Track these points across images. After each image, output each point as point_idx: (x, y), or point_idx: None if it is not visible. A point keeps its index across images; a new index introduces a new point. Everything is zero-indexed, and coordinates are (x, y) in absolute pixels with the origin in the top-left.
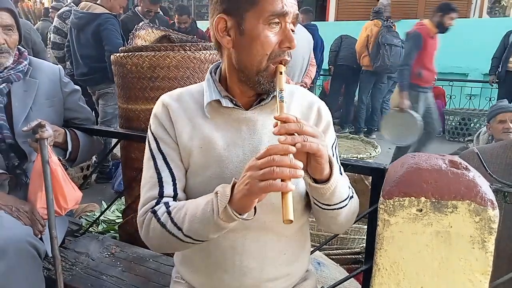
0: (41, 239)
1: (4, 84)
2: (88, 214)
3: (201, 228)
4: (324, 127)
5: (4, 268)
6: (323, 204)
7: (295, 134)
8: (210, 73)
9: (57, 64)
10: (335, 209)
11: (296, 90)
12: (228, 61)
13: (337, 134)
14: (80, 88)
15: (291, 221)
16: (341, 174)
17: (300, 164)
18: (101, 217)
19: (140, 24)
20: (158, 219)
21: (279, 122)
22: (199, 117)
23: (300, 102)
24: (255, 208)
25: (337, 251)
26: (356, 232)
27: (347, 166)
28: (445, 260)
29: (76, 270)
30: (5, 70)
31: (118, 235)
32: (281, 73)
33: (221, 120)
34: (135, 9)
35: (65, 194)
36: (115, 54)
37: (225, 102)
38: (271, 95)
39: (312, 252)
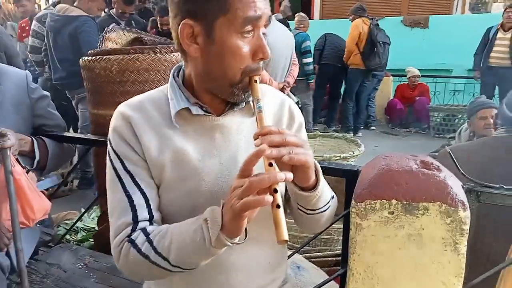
0: (8, 252)
1: None
2: (67, 222)
3: (191, 257)
4: (297, 128)
5: None
6: (308, 209)
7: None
8: (174, 77)
9: (38, 68)
10: (319, 212)
11: (266, 90)
12: (195, 69)
13: (322, 133)
14: (57, 93)
15: (286, 241)
16: None
17: (290, 176)
18: (81, 225)
19: (111, 26)
20: (139, 250)
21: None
22: (167, 127)
23: (272, 103)
24: (246, 230)
25: (318, 253)
26: (340, 233)
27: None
28: (419, 263)
29: (46, 283)
30: None
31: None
32: (255, 81)
33: (192, 129)
34: (110, 11)
35: (32, 204)
36: (83, 58)
37: (196, 110)
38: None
39: (291, 255)
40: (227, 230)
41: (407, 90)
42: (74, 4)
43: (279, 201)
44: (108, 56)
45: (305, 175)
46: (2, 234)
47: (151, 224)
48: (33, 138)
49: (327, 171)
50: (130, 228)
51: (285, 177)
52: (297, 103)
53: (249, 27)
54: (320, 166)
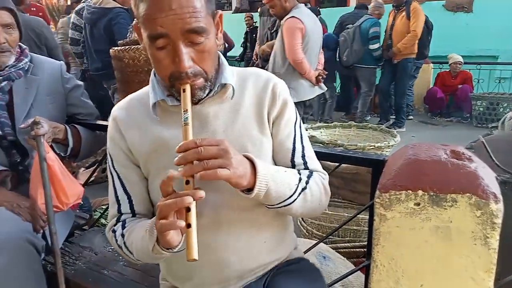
0: (44, 234)
1: (5, 82)
2: (103, 207)
3: (144, 257)
4: (280, 107)
5: (3, 264)
6: (265, 205)
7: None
8: (154, 73)
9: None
10: (280, 207)
11: (251, 74)
12: None
13: (357, 123)
14: (94, 83)
15: (195, 260)
16: (304, 155)
17: (199, 194)
18: None
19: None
20: (116, 240)
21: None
22: (149, 120)
23: (255, 85)
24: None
25: (344, 244)
26: None
27: (346, 158)
28: (446, 257)
29: (78, 264)
30: (6, 68)
31: None
32: (184, 90)
33: (171, 119)
34: None
35: (65, 189)
36: (113, 48)
37: (171, 101)
38: (218, 85)
39: (315, 245)
40: (161, 242)
41: (449, 77)
42: None
43: (192, 220)
44: (136, 46)
45: (230, 183)
46: (38, 217)
47: (133, 216)
48: (67, 126)
49: (352, 160)
50: (115, 219)
51: (192, 200)
52: (324, 98)
53: (159, 42)
54: (346, 155)
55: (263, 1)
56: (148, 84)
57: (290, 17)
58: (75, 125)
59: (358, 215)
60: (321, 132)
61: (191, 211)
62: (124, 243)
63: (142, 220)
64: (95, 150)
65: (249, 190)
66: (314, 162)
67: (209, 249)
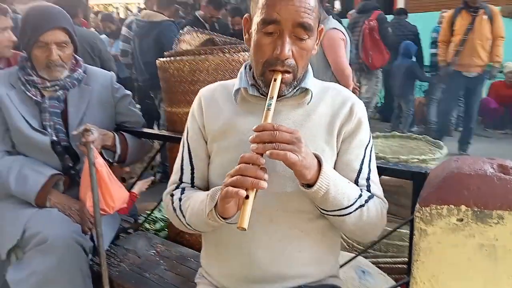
0: (91, 236)
1: (61, 91)
2: (148, 212)
3: (196, 222)
4: (355, 125)
5: (54, 261)
6: (319, 208)
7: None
8: (245, 67)
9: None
10: (334, 215)
11: (331, 87)
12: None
13: (400, 133)
14: (142, 92)
15: (244, 229)
16: (368, 178)
17: (265, 176)
18: (160, 216)
19: (185, 28)
20: (172, 203)
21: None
22: (228, 103)
23: (333, 98)
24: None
25: (385, 259)
26: None
27: (386, 170)
28: (492, 277)
29: (122, 266)
30: (63, 78)
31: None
32: (275, 80)
33: (248, 107)
34: (197, 14)
35: (112, 193)
36: (160, 59)
37: (251, 90)
38: (296, 88)
39: (352, 259)
40: (219, 208)
41: (504, 87)
42: (154, 9)
43: (251, 194)
44: (181, 57)
45: (294, 171)
46: (86, 219)
47: (192, 187)
48: (115, 134)
49: (393, 172)
50: (175, 185)
51: (258, 184)
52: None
53: (269, 28)
54: (386, 167)
55: None
56: (192, 94)
57: (331, 28)
58: (123, 132)
59: (400, 229)
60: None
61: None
62: (180, 206)
63: (200, 191)
64: (141, 157)
65: (310, 186)
66: (376, 187)
67: (243, 240)
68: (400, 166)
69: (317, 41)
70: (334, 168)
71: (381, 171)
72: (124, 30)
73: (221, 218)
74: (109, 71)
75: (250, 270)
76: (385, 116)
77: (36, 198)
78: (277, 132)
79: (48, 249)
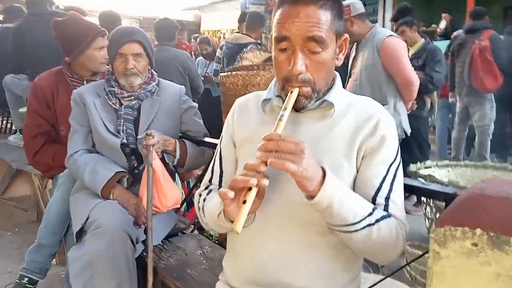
0: (146, 229)
1: (135, 101)
2: None
3: (210, 222)
4: (378, 142)
5: (104, 245)
6: (328, 224)
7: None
8: None
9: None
10: (340, 231)
11: (360, 101)
12: None
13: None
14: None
15: (237, 232)
16: (388, 197)
17: (264, 181)
18: None
19: (248, 47)
20: (198, 202)
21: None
22: (257, 112)
23: (359, 112)
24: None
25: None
26: None
27: (416, 190)
28: None
29: (169, 260)
30: (138, 90)
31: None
32: (291, 92)
33: (273, 116)
34: None
35: (166, 193)
36: (220, 75)
37: (276, 101)
38: (323, 101)
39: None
40: (225, 211)
41: None
42: (243, 32)
43: (248, 199)
44: (236, 72)
45: (296, 181)
46: (141, 214)
47: (219, 189)
48: (177, 140)
49: (423, 192)
50: (205, 187)
51: (256, 182)
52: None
53: (282, 44)
54: (415, 186)
55: None
56: None
57: (388, 36)
58: (185, 140)
59: None
60: (448, 172)
61: (251, 192)
62: (203, 206)
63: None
64: (199, 163)
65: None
66: (396, 208)
67: (253, 244)
68: (432, 186)
69: (343, 51)
70: (354, 184)
71: (412, 190)
72: (218, 52)
73: (229, 221)
74: (197, 87)
75: (257, 274)
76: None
77: (102, 190)
78: (282, 141)
79: (100, 234)
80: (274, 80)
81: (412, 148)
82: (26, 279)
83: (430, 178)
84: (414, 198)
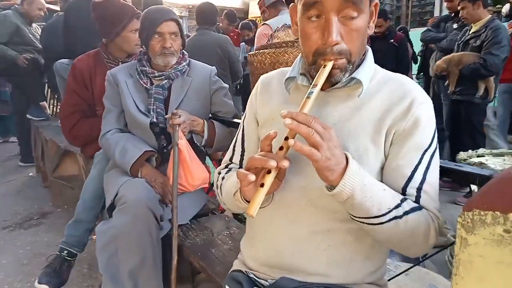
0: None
1: (166, 81)
2: None
3: (227, 200)
4: (411, 125)
5: (128, 220)
6: (350, 214)
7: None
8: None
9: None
10: (363, 223)
11: (394, 79)
12: None
13: None
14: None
15: (252, 216)
16: (420, 188)
17: (284, 162)
18: None
19: (280, 25)
20: (217, 180)
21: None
22: (280, 91)
23: (392, 92)
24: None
25: None
26: None
27: (450, 172)
28: None
29: (195, 240)
30: (168, 69)
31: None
32: (324, 66)
33: (297, 96)
34: None
35: (192, 172)
36: (249, 54)
37: (300, 80)
38: (347, 79)
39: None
40: (241, 191)
41: None
42: None
43: (266, 182)
44: (263, 50)
45: (316, 169)
46: (167, 192)
47: (240, 168)
48: (205, 121)
49: (456, 174)
50: (225, 165)
51: (276, 164)
52: None
53: (312, 12)
54: (448, 167)
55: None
56: None
57: None
58: (214, 120)
59: None
60: (504, 160)
61: (270, 174)
62: (221, 184)
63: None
64: (228, 144)
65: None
66: (429, 199)
67: (270, 226)
68: (467, 168)
69: (374, 18)
70: (382, 172)
71: (445, 173)
72: None
73: (245, 201)
74: (237, 71)
75: (272, 257)
76: None
77: (131, 168)
78: (312, 119)
79: (126, 209)
80: (299, 57)
81: (463, 136)
82: (65, 252)
83: (482, 167)
84: (466, 189)
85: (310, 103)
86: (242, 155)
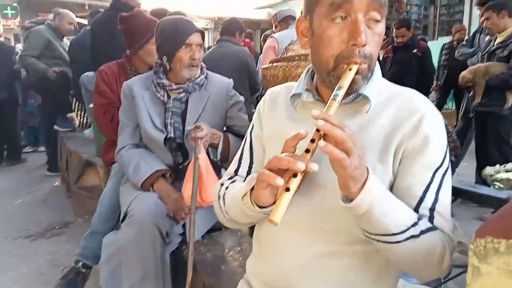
0: (184, 224)
1: (183, 94)
2: None
3: (232, 207)
4: (420, 143)
5: (132, 233)
6: (364, 231)
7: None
8: (307, 70)
9: None
10: (379, 240)
11: (402, 94)
12: (311, 61)
13: None
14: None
15: (276, 223)
16: (433, 209)
17: (314, 165)
18: None
19: (295, 38)
20: (219, 190)
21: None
22: (286, 107)
23: (400, 107)
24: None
25: None
26: None
27: (466, 194)
28: None
29: (207, 255)
30: (187, 83)
31: None
32: (350, 69)
33: (303, 114)
34: None
35: (207, 188)
36: (263, 67)
37: (306, 96)
38: (353, 95)
39: None
40: (254, 192)
41: None
42: None
43: (292, 186)
44: (276, 64)
45: (339, 178)
46: (181, 209)
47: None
48: (221, 134)
49: (474, 198)
50: (228, 177)
51: (304, 167)
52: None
53: (339, 13)
54: (466, 190)
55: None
56: None
57: None
58: (228, 134)
59: None
60: None
61: (296, 178)
62: (224, 194)
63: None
64: None
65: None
66: (443, 221)
67: (275, 245)
68: (484, 190)
69: None
70: (391, 192)
71: (461, 194)
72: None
73: (255, 205)
74: (255, 83)
75: (276, 277)
76: None
77: (141, 185)
78: (345, 124)
79: (131, 223)
80: (304, 72)
81: (491, 150)
82: (80, 263)
83: (508, 183)
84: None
85: (336, 105)
86: (250, 167)
